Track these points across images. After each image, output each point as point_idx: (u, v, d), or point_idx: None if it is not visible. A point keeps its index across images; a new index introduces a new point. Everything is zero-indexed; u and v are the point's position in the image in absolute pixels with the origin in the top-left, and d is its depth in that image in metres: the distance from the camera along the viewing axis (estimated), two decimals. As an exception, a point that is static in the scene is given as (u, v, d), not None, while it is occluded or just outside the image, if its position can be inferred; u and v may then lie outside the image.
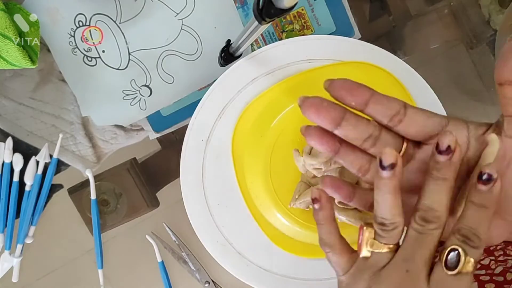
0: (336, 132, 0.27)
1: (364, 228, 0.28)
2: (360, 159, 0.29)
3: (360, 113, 0.28)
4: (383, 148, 0.25)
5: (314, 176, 0.45)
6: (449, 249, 0.25)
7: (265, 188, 0.48)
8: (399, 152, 0.29)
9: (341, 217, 0.46)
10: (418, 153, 0.29)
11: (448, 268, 0.25)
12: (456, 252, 0.25)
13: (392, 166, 0.25)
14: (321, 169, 0.43)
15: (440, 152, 0.25)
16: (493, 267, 0.38)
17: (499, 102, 0.27)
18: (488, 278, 0.36)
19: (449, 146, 0.25)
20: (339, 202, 0.45)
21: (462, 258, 0.24)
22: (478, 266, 0.39)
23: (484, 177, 0.25)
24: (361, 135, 0.28)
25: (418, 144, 0.29)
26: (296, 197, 0.45)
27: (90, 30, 0.52)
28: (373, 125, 0.28)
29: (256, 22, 0.34)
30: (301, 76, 0.48)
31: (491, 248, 0.42)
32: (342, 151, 0.29)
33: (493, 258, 0.40)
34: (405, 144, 0.29)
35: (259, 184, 0.48)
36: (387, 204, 0.26)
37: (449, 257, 0.25)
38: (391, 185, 0.25)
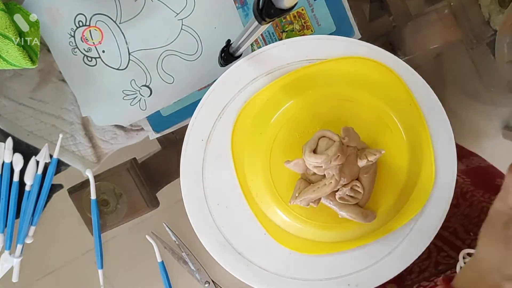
0: None
1: None
2: None
3: None
4: None
5: (314, 174, 0.45)
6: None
7: (265, 185, 0.48)
8: None
9: (342, 213, 0.46)
10: None
11: None
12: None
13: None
14: (321, 167, 0.43)
15: None
16: None
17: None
18: None
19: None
20: (340, 198, 0.45)
21: None
22: None
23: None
24: None
25: None
26: (296, 194, 0.45)
27: (90, 30, 0.52)
28: None
29: (256, 22, 0.34)
30: (299, 73, 0.48)
31: None
32: None
33: None
34: None
35: (260, 181, 0.48)
36: None
37: None
38: None
